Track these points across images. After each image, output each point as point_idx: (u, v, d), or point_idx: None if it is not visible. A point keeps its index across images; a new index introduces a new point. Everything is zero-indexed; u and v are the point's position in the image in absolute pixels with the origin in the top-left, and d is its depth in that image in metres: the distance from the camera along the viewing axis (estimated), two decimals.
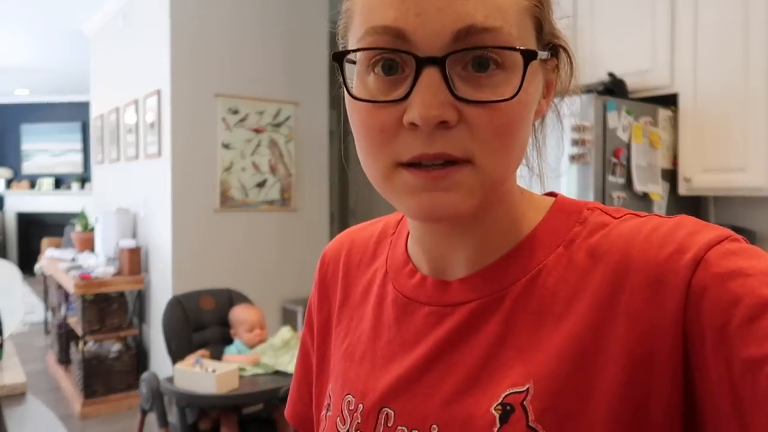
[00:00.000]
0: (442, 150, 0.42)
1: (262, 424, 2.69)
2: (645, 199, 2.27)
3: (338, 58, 0.46)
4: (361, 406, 0.53)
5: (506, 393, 0.45)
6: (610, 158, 2.18)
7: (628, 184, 2.22)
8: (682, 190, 2.34)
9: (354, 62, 0.47)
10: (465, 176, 0.44)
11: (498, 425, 0.45)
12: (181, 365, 2.55)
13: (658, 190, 2.30)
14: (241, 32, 3.70)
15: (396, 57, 0.43)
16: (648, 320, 0.42)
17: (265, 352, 2.72)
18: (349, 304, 0.60)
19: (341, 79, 0.46)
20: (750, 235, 2.33)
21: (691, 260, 0.41)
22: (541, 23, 0.46)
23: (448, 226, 0.51)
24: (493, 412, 0.45)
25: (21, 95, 8.89)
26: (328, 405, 0.57)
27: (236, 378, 2.51)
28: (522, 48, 0.42)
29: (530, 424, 0.44)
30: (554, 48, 0.49)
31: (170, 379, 2.56)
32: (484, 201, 0.46)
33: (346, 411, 0.54)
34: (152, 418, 2.80)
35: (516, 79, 0.43)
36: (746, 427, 0.37)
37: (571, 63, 0.51)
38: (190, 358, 2.60)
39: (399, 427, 0.50)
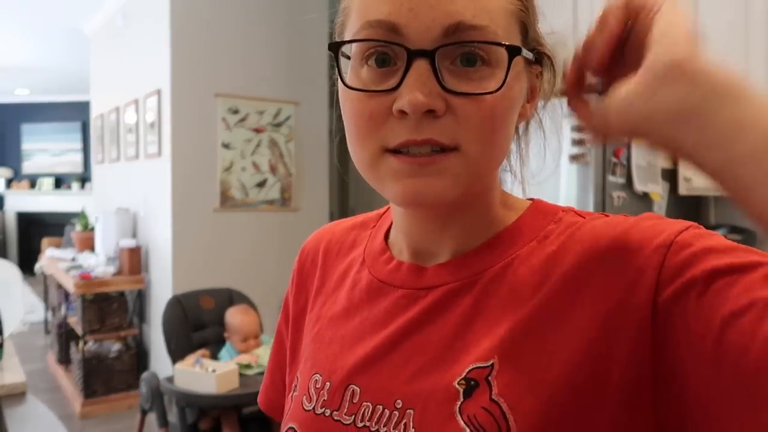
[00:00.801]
0: (430, 136, 0.45)
1: (262, 423, 2.69)
2: (645, 199, 2.27)
3: (334, 48, 0.48)
4: (328, 383, 0.54)
5: (470, 368, 0.47)
6: (610, 158, 2.18)
7: (629, 183, 2.22)
8: (683, 189, 2.34)
9: (349, 57, 0.49)
10: (451, 163, 0.46)
11: (462, 399, 0.46)
12: (181, 365, 2.55)
13: (658, 190, 2.30)
14: (241, 32, 3.70)
15: (389, 50, 0.46)
16: (617, 299, 0.44)
17: (261, 353, 2.72)
18: (324, 290, 0.62)
19: (336, 69, 0.49)
20: (750, 235, 2.33)
21: (662, 244, 0.44)
22: (526, 28, 0.49)
23: (432, 214, 0.53)
24: (457, 386, 0.47)
25: (21, 95, 8.89)
26: (295, 386, 0.59)
27: (236, 378, 2.51)
28: (506, 43, 0.45)
29: (493, 397, 0.46)
30: (539, 54, 0.51)
31: (170, 379, 2.56)
32: (468, 190, 0.48)
33: (312, 389, 0.55)
34: (152, 417, 2.80)
35: (501, 75, 0.46)
36: (720, 380, 0.38)
37: (554, 69, 0.53)
38: (190, 358, 2.60)
39: (364, 403, 0.51)
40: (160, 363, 3.69)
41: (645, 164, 2.27)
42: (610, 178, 2.18)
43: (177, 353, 2.75)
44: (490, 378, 0.46)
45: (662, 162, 2.34)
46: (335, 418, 0.52)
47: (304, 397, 0.56)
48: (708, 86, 0.38)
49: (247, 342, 2.76)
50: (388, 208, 0.64)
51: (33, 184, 9.23)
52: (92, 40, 5.26)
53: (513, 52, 0.45)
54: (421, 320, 0.52)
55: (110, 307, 3.94)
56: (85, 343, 3.90)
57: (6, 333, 2.01)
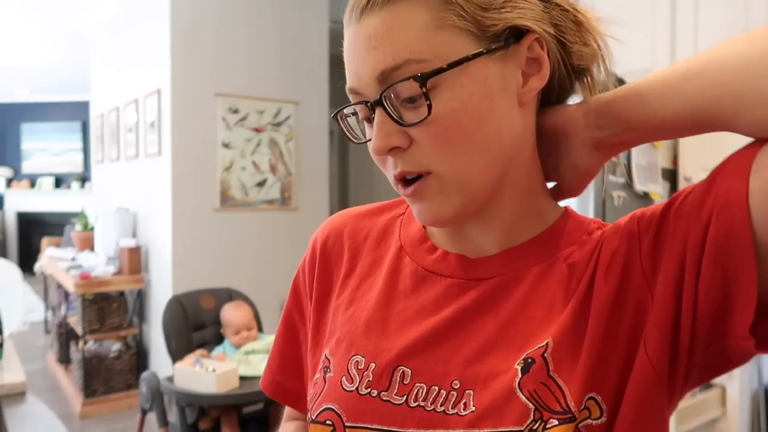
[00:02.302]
0: (401, 170, 0.53)
1: (262, 423, 2.69)
2: (645, 199, 2.27)
3: (335, 116, 0.58)
4: (373, 365, 0.56)
5: (528, 352, 0.52)
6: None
7: (629, 183, 2.22)
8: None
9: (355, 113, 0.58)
10: (429, 185, 0.52)
11: (520, 375, 0.50)
12: (181, 364, 2.55)
13: (658, 190, 2.30)
14: (241, 31, 3.70)
15: (362, 109, 0.54)
16: (630, 279, 0.52)
17: (259, 352, 2.72)
18: (355, 274, 0.64)
19: (342, 132, 0.59)
20: None
21: (626, 222, 0.54)
22: (472, 23, 0.50)
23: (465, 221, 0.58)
24: (516, 366, 0.51)
25: (21, 94, 8.88)
26: (327, 368, 0.59)
27: (236, 377, 2.51)
28: (412, 76, 0.49)
29: (550, 374, 0.50)
30: (516, 30, 0.52)
31: (170, 379, 2.56)
32: (467, 199, 0.53)
33: (354, 370, 0.57)
34: (152, 417, 2.80)
35: (443, 93, 0.50)
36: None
37: (545, 30, 0.52)
38: (190, 358, 2.60)
39: (417, 384, 0.54)
40: (160, 363, 3.69)
41: (645, 164, 2.27)
42: (611, 178, 2.18)
43: (177, 353, 2.75)
44: (546, 355, 0.51)
45: (662, 162, 2.34)
46: (384, 398, 0.54)
47: (344, 377, 0.57)
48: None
49: (240, 334, 2.77)
50: None
51: (33, 184, 9.23)
52: (92, 40, 5.26)
53: (421, 81, 0.49)
54: (474, 309, 0.55)
55: (110, 307, 3.94)
56: (85, 342, 3.90)
57: (6, 332, 2.01)
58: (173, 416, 2.62)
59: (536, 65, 0.53)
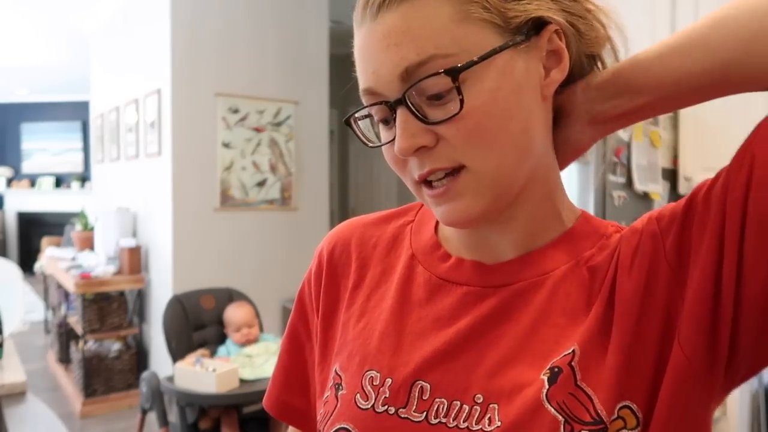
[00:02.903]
0: (432, 167, 0.50)
1: (262, 423, 2.69)
2: (645, 199, 2.27)
3: (347, 122, 0.56)
4: (389, 380, 0.53)
5: (553, 360, 0.49)
6: (610, 157, 2.18)
7: (629, 183, 2.22)
8: (683, 189, 2.34)
9: (369, 115, 0.56)
10: (465, 182, 0.50)
11: (547, 386, 0.48)
12: (181, 364, 2.55)
13: (658, 190, 2.30)
14: (241, 31, 3.70)
15: (384, 111, 0.51)
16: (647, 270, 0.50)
17: (260, 354, 2.72)
18: (364, 284, 0.62)
19: (356, 135, 0.56)
20: None
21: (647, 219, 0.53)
22: (498, 14, 0.49)
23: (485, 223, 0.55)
24: (542, 377, 0.49)
25: (21, 94, 8.88)
26: (338, 384, 0.57)
27: (236, 377, 2.51)
28: (442, 71, 0.47)
29: (578, 383, 0.48)
30: (538, 22, 0.51)
31: (170, 379, 2.56)
32: (497, 196, 0.51)
33: (368, 387, 0.54)
34: (152, 417, 2.80)
35: (473, 87, 0.48)
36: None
37: (569, 22, 0.52)
38: (191, 358, 2.60)
39: (437, 399, 0.51)
40: (160, 362, 3.69)
41: (645, 164, 2.27)
42: (611, 178, 2.18)
43: (177, 353, 2.75)
44: (573, 363, 0.48)
45: (663, 162, 2.34)
46: (402, 415, 0.51)
47: (358, 395, 0.54)
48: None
49: (241, 331, 2.79)
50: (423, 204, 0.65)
51: (33, 184, 9.23)
52: (92, 40, 5.26)
53: (453, 75, 0.47)
54: (493, 317, 0.53)
55: (110, 307, 3.94)
56: (85, 342, 3.90)
57: (6, 332, 2.01)
58: (173, 416, 2.62)
59: (556, 57, 0.52)
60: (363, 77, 0.52)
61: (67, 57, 6.46)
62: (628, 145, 2.22)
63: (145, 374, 2.82)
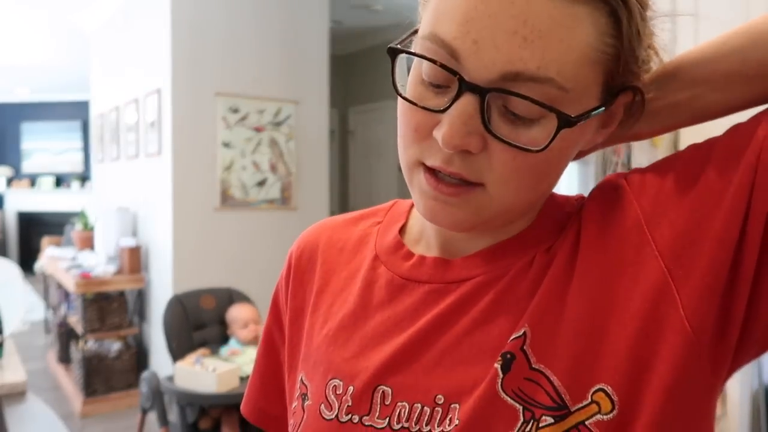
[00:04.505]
0: (458, 171, 0.45)
1: None
2: None
3: (391, 53, 0.46)
4: (351, 388, 0.51)
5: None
6: (610, 157, 2.18)
7: None
8: None
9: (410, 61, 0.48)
10: (475, 198, 0.46)
11: (501, 376, 0.46)
12: (181, 364, 2.55)
13: None
14: (241, 31, 3.70)
15: (443, 76, 0.44)
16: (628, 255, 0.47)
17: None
18: (329, 289, 0.59)
19: (391, 73, 0.47)
20: None
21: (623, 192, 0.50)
22: (612, 74, 0.45)
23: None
24: (495, 365, 0.46)
25: (21, 94, 8.88)
26: (304, 395, 0.55)
27: (237, 377, 2.51)
28: (558, 111, 0.42)
29: (534, 366, 0.45)
30: (627, 89, 0.48)
31: (171, 378, 2.56)
32: (492, 221, 0.49)
33: (332, 396, 0.52)
34: (153, 417, 2.80)
35: (549, 134, 0.43)
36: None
37: (643, 104, 0.49)
38: (191, 357, 2.60)
39: (399, 403, 0.49)
40: (161, 362, 3.69)
41: (645, 163, 2.27)
42: None
43: (178, 353, 2.75)
44: (525, 347, 0.46)
45: None
46: (366, 423, 0.50)
47: (322, 405, 0.52)
48: None
49: (248, 327, 2.81)
50: (395, 203, 0.63)
51: (33, 183, 9.23)
52: (92, 39, 5.26)
53: (562, 123, 0.43)
54: (452, 314, 0.50)
55: (110, 307, 3.94)
56: (86, 342, 3.90)
57: (6, 332, 2.01)
58: (174, 416, 2.62)
59: (609, 119, 0.49)
60: (451, 31, 0.43)
61: (67, 56, 6.46)
62: (629, 145, 2.23)
63: (145, 374, 2.83)
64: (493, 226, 0.51)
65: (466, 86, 0.42)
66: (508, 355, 0.46)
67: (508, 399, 0.45)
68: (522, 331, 0.46)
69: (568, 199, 0.55)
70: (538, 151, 0.43)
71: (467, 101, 0.43)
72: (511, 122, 0.43)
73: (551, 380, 0.44)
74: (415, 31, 0.48)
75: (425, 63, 0.45)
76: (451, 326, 0.50)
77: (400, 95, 0.47)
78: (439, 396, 0.48)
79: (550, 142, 0.42)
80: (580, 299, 0.46)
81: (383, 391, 0.50)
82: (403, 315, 0.53)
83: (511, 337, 0.46)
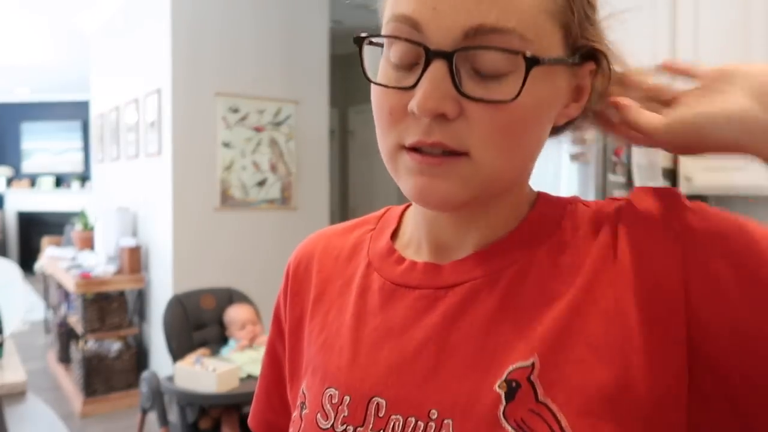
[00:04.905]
0: (439, 140, 0.45)
1: None
2: None
3: (358, 42, 0.48)
4: (347, 398, 0.51)
5: (510, 369, 0.45)
6: (610, 157, 2.18)
7: (629, 182, 2.22)
8: (683, 189, 2.34)
9: (381, 46, 0.49)
10: (460, 168, 0.46)
11: (504, 403, 0.44)
12: (181, 364, 2.55)
13: None
14: (241, 31, 3.70)
15: (408, 50, 0.46)
16: (653, 281, 0.45)
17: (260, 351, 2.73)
18: (326, 297, 0.59)
19: (360, 62, 0.48)
20: None
21: (674, 234, 0.47)
22: (569, 26, 0.47)
23: (455, 213, 0.52)
24: (498, 389, 0.45)
25: (21, 94, 8.88)
26: (303, 403, 0.55)
27: (237, 377, 2.51)
28: (524, 53, 0.43)
29: (540, 398, 0.44)
30: (590, 52, 0.49)
31: (171, 378, 2.56)
32: (481, 193, 0.47)
33: (328, 405, 0.52)
34: (153, 417, 2.80)
35: (519, 82, 0.44)
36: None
37: (609, 69, 0.50)
38: (191, 357, 2.60)
39: (392, 416, 0.48)
40: (161, 362, 3.69)
41: (645, 163, 2.27)
42: (611, 177, 2.18)
43: (178, 353, 2.75)
44: (532, 378, 0.44)
45: (663, 161, 2.34)
46: None
47: (319, 414, 0.52)
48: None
49: (246, 328, 2.81)
50: (388, 210, 0.63)
51: (33, 183, 9.23)
52: (93, 39, 5.26)
53: (530, 62, 0.43)
54: (445, 322, 0.49)
55: (110, 306, 3.94)
56: (86, 342, 3.90)
57: (6, 332, 2.01)
58: (174, 416, 2.62)
59: (579, 93, 0.50)
60: (410, 4, 0.45)
61: (67, 57, 6.46)
62: (629, 145, 2.22)
63: (145, 374, 2.82)
64: (482, 204, 0.50)
65: (432, 54, 0.43)
66: (513, 384, 0.44)
67: (509, 428, 0.43)
68: (530, 361, 0.45)
69: (561, 202, 0.54)
70: (512, 100, 0.43)
71: (436, 68, 0.43)
72: (482, 81, 0.44)
73: (558, 417, 0.43)
74: (358, 42, 0.49)
75: (393, 46, 0.46)
76: (443, 335, 0.49)
77: (371, 81, 0.48)
78: (433, 411, 0.47)
79: (522, 86, 0.43)
80: (598, 331, 0.45)
81: (378, 403, 0.49)
82: (394, 321, 0.52)
83: (517, 365, 0.45)
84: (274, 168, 3.81)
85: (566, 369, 0.44)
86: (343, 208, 5.87)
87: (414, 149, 0.46)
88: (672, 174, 2.37)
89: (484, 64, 0.43)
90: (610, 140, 2.20)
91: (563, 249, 0.49)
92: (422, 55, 0.44)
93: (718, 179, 2.24)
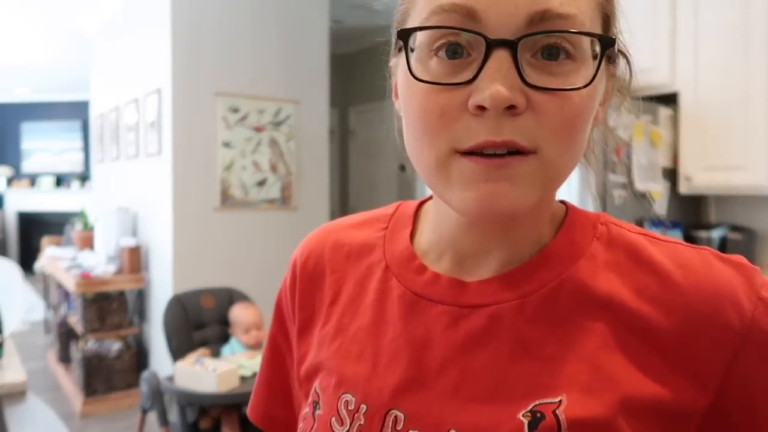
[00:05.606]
0: (510, 138, 0.40)
1: None
2: (646, 198, 2.27)
3: (404, 35, 0.43)
4: (364, 407, 0.50)
5: (536, 403, 0.44)
6: (610, 156, 2.17)
7: (629, 182, 2.22)
8: (683, 188, 2.34)
9: (412, 49, 0.44)
10: (529, 167, 0.42)
11: (527, 431, 0.43)
12: (181, 364, 2.55)
13: (658, 189, 2.30)
14: (241, 31, 3.70)
15: (462, 40, 0.41)
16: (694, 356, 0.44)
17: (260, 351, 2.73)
18: (340, 300, 0.57)
19: (405, 57, 0.44)
20: (750, 235, 2.33)
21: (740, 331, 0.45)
22: (609, 21, 0.46)
23: (494, 224, 0.49)
24: (521, 418, 0.44)
25: (21, 94, 8.88)
26: (316, 402, 0.54)
27: (237, 377, 2.51)
28: (601, 34, 0.41)
29: None
30: (611, 55, 0.48)
31: (171, 378, 2.56)
32: (543, 195, 0.44)
33: (344, 411, 0.51)
34: (153, 416, 2.80)
35: (586, 71, 0.42)
36: None
37: (630, 71, 0.49)
38: (191, 357, 2.60)
39: (410, 431, 0.47)
40: (161, 362, 3.69)
41: (645, 163, 2.27)
42: (611, 177, 2.18)
43: (178, 352, 2.75)
44: (558, 412, 0.43)
45: (663, 161, 2.34)
46: None
47: (333, 418, 0.51)
48: None
49: (250, 333, 2.79)
50: (399, 205, 0.60)
51: (33, 183, 9.23)
52: (93, 39, 5.26)
53: (606, 42, 0.41)
54: (468, 343, 0.48)
55: (110, 306, 3.94)
56: (86, 342, 3.90)
57: (6, 332, 2.01)
58: (174, 415, 2.62)
59: (604, 93, 0.49)
60: None
61: (67, 57, 6.46)
62: (629, 145, 2.22)
63: (145, 374, 2.82)
64: (541, 209, 0.48)
65: (493, 43, 0.40)
66: (539, 414, 0.43)
67: None
68: (559, 398, 0.43)
69: (590, 220, 0.51)
70: (586, 86, 0.41)
71: (498, 59, 0.40)
72: (544, 71, 0.41)
73: None
74: (403, 36, 0.44)
75: (439, 41, 0.42)
76: (467, 356, 0.47)
77: (419, 79, 0.42)
78: (452, 431, 0.45)
79: (597, 70, 0.41)
80: (642, 383, 0.44)
81: (396, 416, 0.48)
82: (415, 334, 0.50)
83: (546, 400, 0.44)
84: (274, 168, 3.81)
85: (593, 409, 0.43)
86: (343, 208, 5.87)
87: (473, 153, 0.41)
88: (672, 173, 2.37)
89: (545, 53, 0.41)
90: (610, 140, 2.20)
91: (596, 280, 0.47)
92: (476, 47, 0.41)
93: (718, 179, 2.24)
